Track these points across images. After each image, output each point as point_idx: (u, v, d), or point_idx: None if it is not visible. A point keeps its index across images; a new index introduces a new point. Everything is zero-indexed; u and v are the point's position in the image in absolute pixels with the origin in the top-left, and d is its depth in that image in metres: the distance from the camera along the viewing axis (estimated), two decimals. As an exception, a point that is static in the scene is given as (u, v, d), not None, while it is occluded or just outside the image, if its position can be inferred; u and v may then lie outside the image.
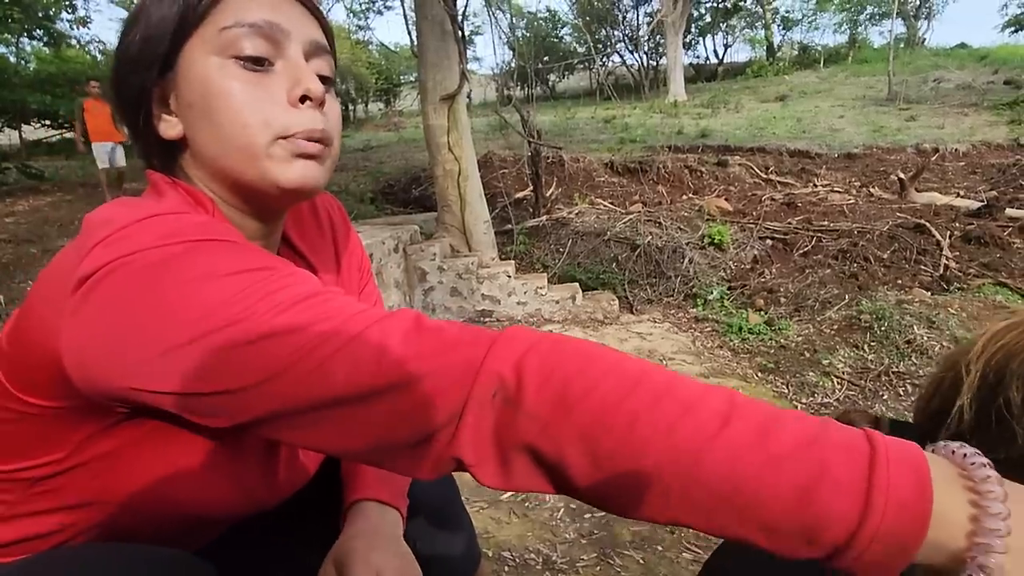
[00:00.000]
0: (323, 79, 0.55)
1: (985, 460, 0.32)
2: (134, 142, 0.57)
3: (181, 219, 0.47)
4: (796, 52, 22.47)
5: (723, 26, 23.10)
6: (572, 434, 0.35)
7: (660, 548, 1.50)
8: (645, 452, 0.33)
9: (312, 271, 0.67)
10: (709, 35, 23.62)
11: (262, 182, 0.52)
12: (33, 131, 10.19)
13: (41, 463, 0.51)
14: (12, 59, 10.02)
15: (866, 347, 2.89)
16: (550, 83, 21.75)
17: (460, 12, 3.88)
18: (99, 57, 11.73)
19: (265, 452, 0.60)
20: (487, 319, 3.72)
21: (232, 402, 0.41)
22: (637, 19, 21.41)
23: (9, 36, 10.40)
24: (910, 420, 0.52)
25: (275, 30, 0.51)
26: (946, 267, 4.07)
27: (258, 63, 0.51)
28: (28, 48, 11.63)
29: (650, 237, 4.50)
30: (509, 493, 1.72)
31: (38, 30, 10.45)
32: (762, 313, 3.55)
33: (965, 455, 0.32)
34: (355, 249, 0.75)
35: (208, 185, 0.55)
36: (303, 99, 0.52)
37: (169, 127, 0.54)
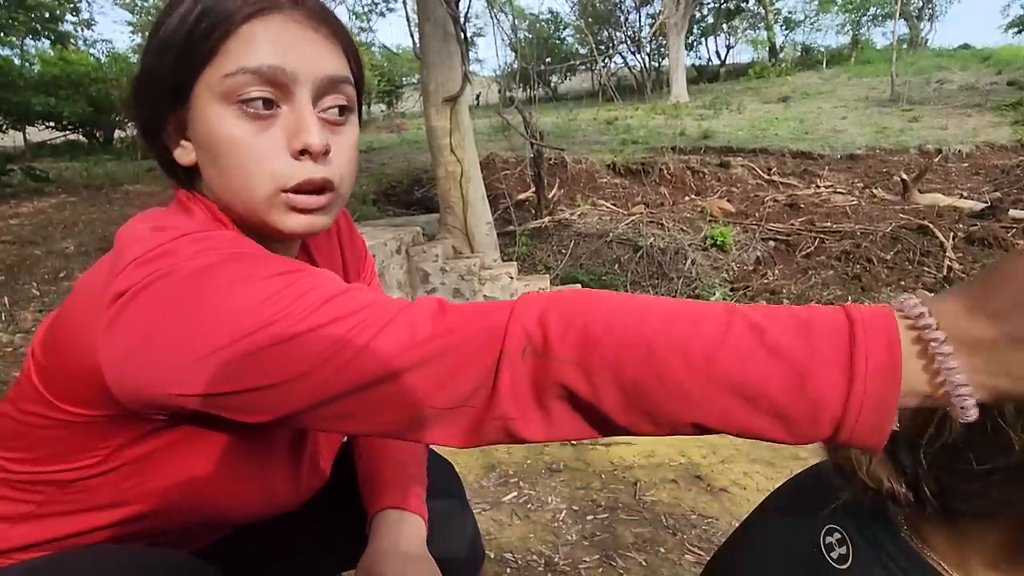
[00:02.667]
0: (339, 108, 0.54)
1: (915, 300, 0.36)
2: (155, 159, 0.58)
3: (213, 234, 0.49)
4: (799, 53, 22.44)
5: (725, 27, 23.08)
6: (600, 369, 0.38)
7: (663, 550, 1.50)
8: (666, 371, 0.37)
9: None
10: (711, 36, 23.61)
11: (265, 228, 0.53)
12: (37, 133, 10.22)
13: (76, 467, 0.52)
14: (16, 61, 10.05)
15: (869, 349, 2.88)
16: (552, 84, 21.76)
17: (462, 14, 3.88)
18: (103, 59, 11.78)
19: (290, 457, 0.62)
20: (489, 320, 3.72)
21: (276, 396, 0.42)
22: (639, 20, 21.43)
23: (14, 39, 10.44)
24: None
25: (279, 74, 0.49)
26: (949, 268, 4.06)
27: (262, 109, 0.50)
28: (32, 50, 11.69)
29: (652, 238, 4.50)
30: (511, 495, 1.72)
31: (46, 29, 10.49)
32: (765, 314, 3.54)
33: (903, 301, 0.37)
34: (359, 251, 0.78)
35: (223, 208, 0.55)
36: (303, 151, 0.51)
37: (184, 153, 0.54)
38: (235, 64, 0.49)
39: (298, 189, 0.51)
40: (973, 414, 0.34)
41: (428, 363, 0.40)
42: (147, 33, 0.53)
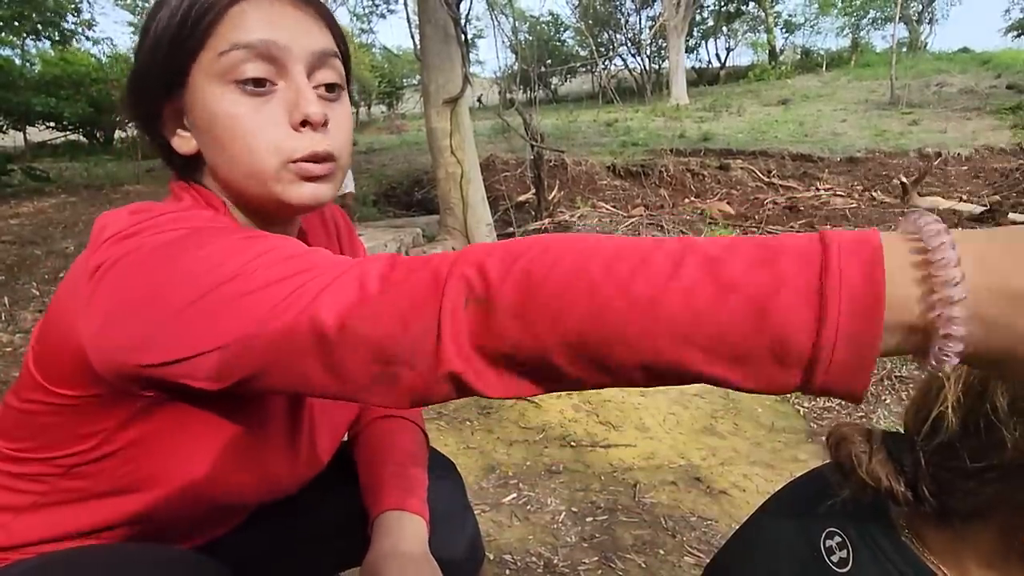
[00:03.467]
0: (330, 87, 0.55)
1: (939, 224, 0.29)
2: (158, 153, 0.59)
3: (190, 214, 0.50)
4: (798, 56, 22.51)
5: (725, 30, 23.13)
6: (541, 317, 0.34)
7: (662, 552, 1.50)
8: (608, 314, 0.32)
9: None
10: (711, 39, 23.66)
11: (272, 201, 0.54)
12: (38, 133, 10.24)
13: (73, 452, 0.53)
14: (17, 61, 10.06)
15: (869, 351, 2.89)
16: (552, 86, 21.78)
17: (463, 16, 3.89)
18: (104, 59, 11.78)
19: (287, 439, 0.62)
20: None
21: (234, 356, 0.41)
22: (639, 23, 21.47)
23: (15, 38, 10.45)
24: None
25: (273, 48, 0.51)
26: (949, 271, 4.06)
27: (259, 85, 0.51)
28: (33, 51, 11.71)
29: (652, 240, 4.50)
30: (511, 496, 1.72)
31: (48, 28, 10.52)
32: (764, 317, 3.54)
33: (918, 219, 0.30)
34: (358, 254, 0.78)
35: (224, 194, 0.57)
36: (304, 123, 0.52)
37: (183, 143, 0.55)
38: (228, 42, 0.50)
39: (303, 160, 0.53)
40: (949, 366, 0.29)
41: (375, 317, 0.38)
42: (139, 32, 0.54)
